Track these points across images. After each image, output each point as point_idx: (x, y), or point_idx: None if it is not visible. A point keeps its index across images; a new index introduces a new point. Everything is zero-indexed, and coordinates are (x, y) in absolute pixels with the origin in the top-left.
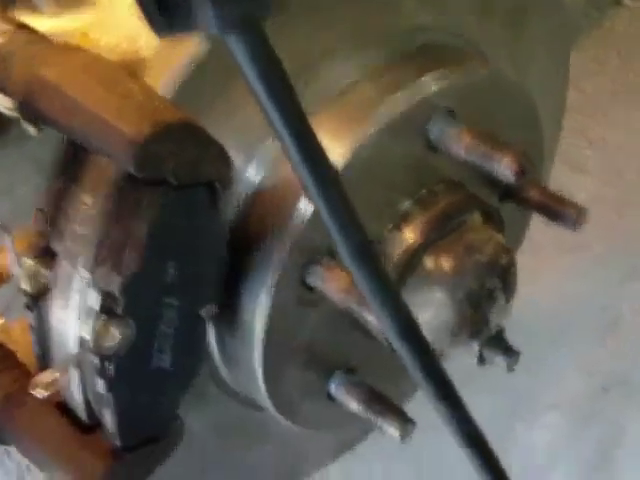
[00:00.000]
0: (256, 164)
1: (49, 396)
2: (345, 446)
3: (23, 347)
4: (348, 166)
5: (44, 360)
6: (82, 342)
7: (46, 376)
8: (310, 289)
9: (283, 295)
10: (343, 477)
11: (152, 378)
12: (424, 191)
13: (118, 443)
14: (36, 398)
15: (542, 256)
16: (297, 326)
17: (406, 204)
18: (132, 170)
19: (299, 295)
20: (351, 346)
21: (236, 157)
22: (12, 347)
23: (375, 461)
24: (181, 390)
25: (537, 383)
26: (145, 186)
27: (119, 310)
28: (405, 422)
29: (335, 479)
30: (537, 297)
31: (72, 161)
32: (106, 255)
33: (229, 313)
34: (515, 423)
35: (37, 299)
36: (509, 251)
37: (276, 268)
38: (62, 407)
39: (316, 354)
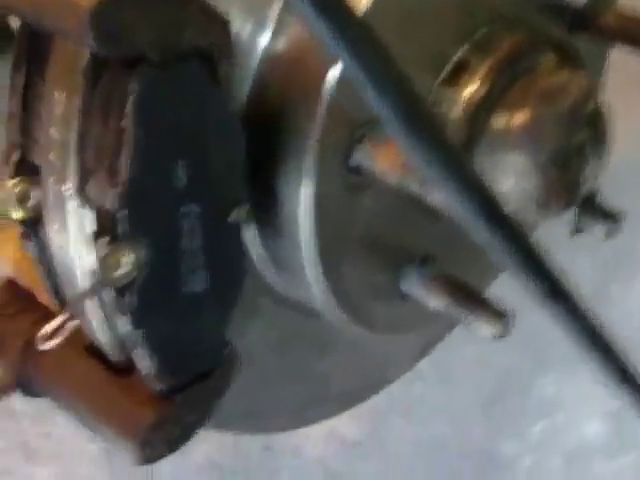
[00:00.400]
0: (271, 28)
1: (75, 339)
2: (429, 344)
3: (39, 283)
4: (377, 6)
5: (57, 297)
6: (90, 274)
7: (51, 325)
8: (357, 171)
9: (327, 182)
10: None
11: (187, 304)
12: (479, 32)
13: (160, 386)
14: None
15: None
16: (350, 217)
17: (459, 51)
18: (95, 47)
19: (345, 180)
20: (419, 233)
21: (246, 20)
22: (28, 285)
23: None
24: (225, 313)
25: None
26: (121, 68)
27: (122, 230)
28: (500, 316)
29: None
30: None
31: (33, 50)
32: (94, 163)
33: (267, 212)
34: (612, 284)
35: (34, 225)
36: (595, 93)
37: (312, 150)
38: (93, 349)
39: (378, 247)
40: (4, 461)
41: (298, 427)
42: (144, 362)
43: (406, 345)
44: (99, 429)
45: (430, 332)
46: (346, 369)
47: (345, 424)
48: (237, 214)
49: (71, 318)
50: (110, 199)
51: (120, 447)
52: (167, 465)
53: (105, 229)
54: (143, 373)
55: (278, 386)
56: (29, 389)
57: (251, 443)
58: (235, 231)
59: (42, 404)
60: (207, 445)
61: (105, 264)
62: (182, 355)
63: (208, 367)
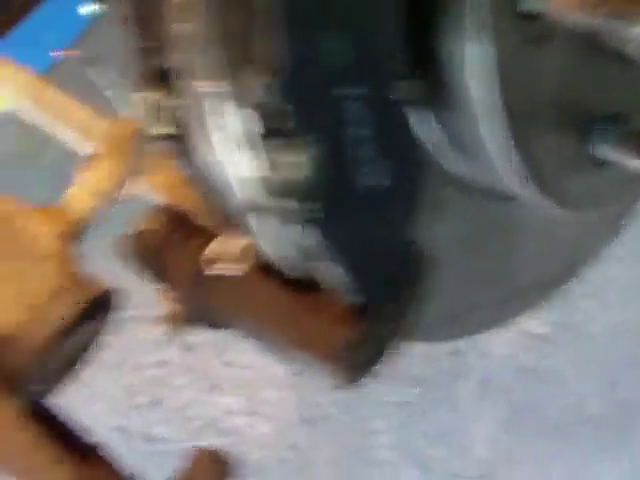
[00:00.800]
0: None
1: (249, 259)
2: (619, 217)
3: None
4: None
5: (220, 215)
6: (256, 183)
7: (217, 246)
8: (532, 17)
9: (504, 36)
10: None
11: (368, 204)
12: None
13: (351, 300)
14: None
15: None
16: (534, 74)
17: None
18: None
19: (523, 30)
20: (609, 90)
21: None
22: (187, 209)
23: None
24: (409, 209)
25: None
26: None
27: (288, 125)
28: None
29: None
30: None
31: None
32: (236, 52)
33: (436, 85)
34: None
35: (180, 139)
36: None
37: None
38: (270, 269)
39: (567, 108)
40: (188, 394)
41: (496, 326)
42: (331, 275)
43: (598, 226)
44: (291, 353)
45: (622, 208)
46: (539, 257)
47: (531, 317)
48: (403, 90)
49: (239, 236)
50: (264, 89)
51: (316, 370)
52: None
53: (268, 129)
54: (331, 288)
55: (472, 284)
56: (206, 320)
57: (438, 350)
58: (404, 113)
59: (220, 333)
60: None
61: (275, 167)
62: (370, 262)
63: (398, 272)
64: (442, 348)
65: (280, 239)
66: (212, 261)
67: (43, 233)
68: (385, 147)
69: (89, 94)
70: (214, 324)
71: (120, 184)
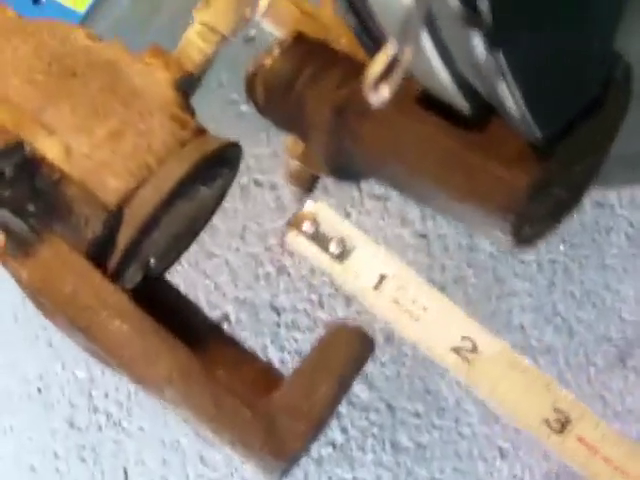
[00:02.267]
0: None
1: (398, 86)
2: None
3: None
4: None
5: (367, 34)
6: None
7: (378, 63)
8: None
9: None
10: None
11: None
12: None
13: (533, 133)
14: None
15: None
16: None
17: None
18: None
19: None
20: None
21: None
22: (320, 34)
23: None
24: (611, 11)
25: None
26: None
27: None
28: None
29: None
30: None
31: None
32: None
33: None
34: None
35: None
36: None
37: None
38: (428, 101)
39: None
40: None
41: None
42: (509, 101)
43: None
44: (450, 205)
45: None
46: None
47: None
48: None
49: (397, 57)
50: None
51: (481, 228)
52: None
53: None
54: (508, 118)
55: None
56: (345, 170)
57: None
58: None
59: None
60: None
61: None
62: (558, 83)
63: (593, 97)
64: (585, 200)
65: (446, 56)
66: (374, 85)
67: (155, 82)
68: None
69: None
70: (354, 174)
71: (241, 18)
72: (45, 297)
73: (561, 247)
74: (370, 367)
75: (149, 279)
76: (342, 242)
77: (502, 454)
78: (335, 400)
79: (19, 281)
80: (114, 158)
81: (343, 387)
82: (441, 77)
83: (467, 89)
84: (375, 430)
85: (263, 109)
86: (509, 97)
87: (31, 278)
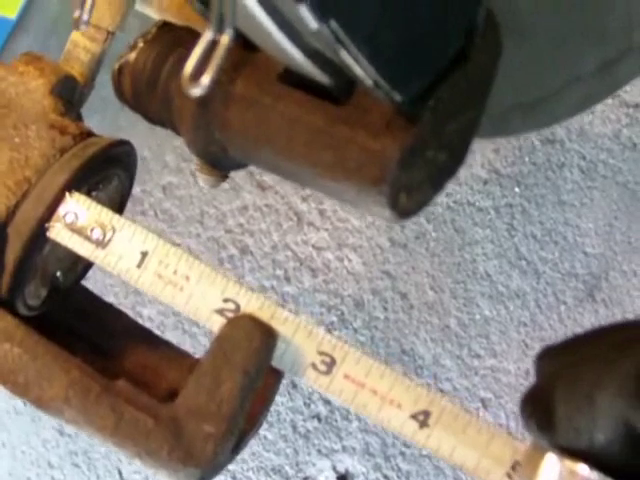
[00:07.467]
0: None
1: (262, 70)
2: None
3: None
4: None
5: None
6: None
7: (194, 57)
8: None
9: None
10: None
11: None
12: None
13: (394, 97)
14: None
15: None
16: None
17: None
18: None
19: None
20: None
21: None
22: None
23: None
24: None
25: None
26: None
27: None
28: None
29: None
30: None
31: None
32: None
33: None
34: None
35: None
36: None
37: None
38: (290, 77)
39: None
40: (274, 238)
41: (594, 102)
42: (357, 69)
43: None
44: (324, 183)
45: None
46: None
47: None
48: None
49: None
50: None
51: (357, 204)
52: None
53: None
54: (365, 86)
55: (565, 55)
56: (224, 160)
57: (529, 141)
58: None
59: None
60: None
61: None
62: (410, 43)
63: (455, 51)
64: (534, 138)
65: (290, 33)
66: (192, 76)
67: (29, 91)
68: None
69: None
70: (231, 163)
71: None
72: None
73: (516, 189)
74: (344, 334)
75: (61, 291)
76: (102, 228)
77: (485, 404)
78: (243, 396)
79: None
80: None
81: (250, 381)
82: (289, 52)
83: (322, 62)
84: None
85: (133, 106)
86: (355, 65)
87: None
